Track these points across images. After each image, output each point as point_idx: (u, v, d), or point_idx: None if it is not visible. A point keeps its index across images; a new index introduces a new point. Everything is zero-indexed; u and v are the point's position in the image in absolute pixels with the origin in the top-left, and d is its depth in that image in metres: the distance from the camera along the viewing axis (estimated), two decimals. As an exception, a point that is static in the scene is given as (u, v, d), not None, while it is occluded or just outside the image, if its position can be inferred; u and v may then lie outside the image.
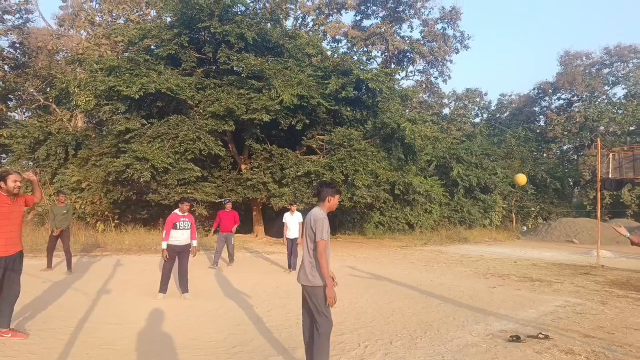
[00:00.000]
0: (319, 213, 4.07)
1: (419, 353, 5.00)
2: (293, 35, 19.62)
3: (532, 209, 32.88)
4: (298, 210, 11.21)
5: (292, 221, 10.87)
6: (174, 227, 7.34)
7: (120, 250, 12.60)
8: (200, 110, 16.71)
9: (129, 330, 5.54)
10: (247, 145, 18.52)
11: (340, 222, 22.09)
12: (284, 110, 16.27)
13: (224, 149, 17.38)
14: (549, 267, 13.12)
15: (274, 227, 21.11)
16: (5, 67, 24.91)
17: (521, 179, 10.93)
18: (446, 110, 43.72)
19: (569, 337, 5.63)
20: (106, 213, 17.39)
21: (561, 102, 44.55)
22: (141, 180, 15.37)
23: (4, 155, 27.91)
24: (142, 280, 8.90)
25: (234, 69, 17.49)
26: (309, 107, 16.70)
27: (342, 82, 16.65)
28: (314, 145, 18.31)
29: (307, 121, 17.25)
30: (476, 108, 47.52)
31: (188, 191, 16.21)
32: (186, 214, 7.54)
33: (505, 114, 48.25)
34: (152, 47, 18.44)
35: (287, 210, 11.40)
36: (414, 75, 39.88)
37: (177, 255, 7.46)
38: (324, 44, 31.17)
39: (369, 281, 9.99)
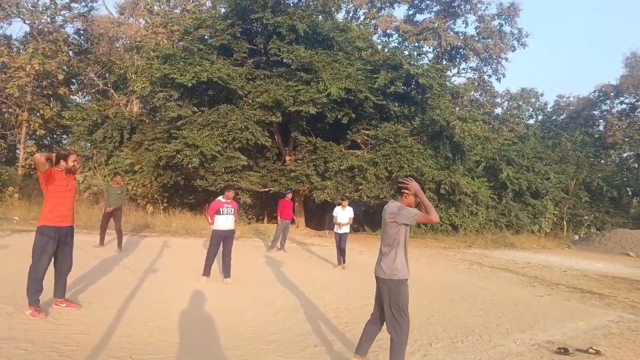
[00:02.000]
0: (396, 205, 4.01)
1: (460, 357, 4.86)
2: (344, 28, 19.48)
3: (586, 217, 31.19)
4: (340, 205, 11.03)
5: (343, 215, 10.42)
6: (218, 212, 7.52)
7: (168, 232, 13.07)
8: (249, 101, 16.98)
9: (172, 309, 5.72)
10: (292, 137, 18.67)
11: (381, 219, 21.85)
12: (331, 103, 16.25)
13: (270, 139, 17.61)
14: (602, 280, 12.40)
15: (315, 219, 21.23)
16: (70, 52, 26.30)
17: None
18: (498, 110, 42.10)
19: (622, 355, 5.29)
20: (156, 196, 18.09)
21: (624, 106, 41.81)
22: (190, 166, 15.86)
23: (64, 136, 29.62)
24: (188, 262, 9.19)
25: (284, 60, 17.62)
26: (356, 101, 16.59)
27: (391, 76, 16.39)
28: (359, 140, 18.19)
29: (354, 115, 17.14)
30: (531, 109, 45.46)
31: (234, 179, 16.57)
32: (230, 200, 7.70)
33: (562, 117, 45.89)
34: (206, 37, 18.91)
35: (336, 204, 11.31)
36: (466, 72, 38.65)
37: (222, 241, 7.64)
38: (375, 37, 30.78)
39: (409, 281, 9.81)
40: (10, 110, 25.20)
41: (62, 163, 5.04)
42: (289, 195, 12.38)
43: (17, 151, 26.28)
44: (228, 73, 16.16)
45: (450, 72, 34.84)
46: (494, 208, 24.43)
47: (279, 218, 12.15)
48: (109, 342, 4.37)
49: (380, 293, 4.13)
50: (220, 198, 7.71)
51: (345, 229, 10.35)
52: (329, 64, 16.59)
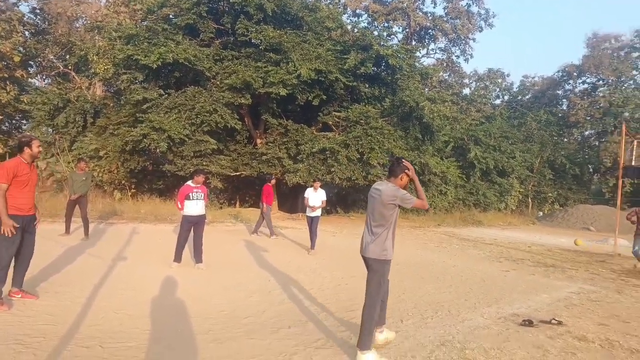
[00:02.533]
0: (393, 187, 4.04)
1: (430, 332, 4.99)
2: (313, 7, 19.18)
3: (550, 194, 32.40)
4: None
5: (315, 198, 10.12)
6: (187, 197, 7.42)
7: (137, 219, 12.79)
8: (218, 83, 16.62)
9: (142, 296, 5.63)
10: (263, 119, 18.44)
11: (353, 201, 22.05)
12: (301, 84, 16.10)
13: (240, 122, 17.35)
14: (564, 254, 12.95)
15: (288, 203, 21.20)
16: (26, 32, 24.94)
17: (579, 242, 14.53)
18: (466, 91, 42.79)
19: (582, 324, 5.55)
20: (123, 182, 17.63)
21: (586, 86, 43.19)
22: (158, 150, 15.49)
23: (24, 122, 28.31)
24: (158, 249, 9.04)
25: (252, 41, 17.27)
26: (327, 83, 16.47)
27: (361, 57, 16.34)
28: (330, 122, 18.14)
29: (324, 97, 17.04)
30: (497, 89, 46.45)
31: (204, 163, 16.29)
32: (200, 185, 7.58)
33: (527, 97, 47.06)
34: (171, 16, 18.28)
35: (308, 186, 11.03)
36: (435, 53, 38.99)
37: (193, 226, 7.54)
38: (344, 18, 30.51)
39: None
40: (-38, 94, 23.83)
41: (27, 150, 4.91)
42: (273, 181, 12.54)
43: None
44: (195, 54, 15.73)
45: (420, 52, 35.04)
46: (462, 187, 25.02)
47: (263, 204, 12.06)
48: (77, 332, 4.27)
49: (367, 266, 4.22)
50: (189, 183, 7.58)
51: (318, 212, 10.18)
52: (299, 45, 16.36)
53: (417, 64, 19.81)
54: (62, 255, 7.73)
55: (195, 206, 7.46)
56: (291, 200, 21.64)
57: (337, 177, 16.40)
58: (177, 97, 16.08)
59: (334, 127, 18.22)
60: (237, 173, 18.01)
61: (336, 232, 14.56)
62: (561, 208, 31.45)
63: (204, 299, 5.85)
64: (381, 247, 4.07)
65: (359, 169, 16.50)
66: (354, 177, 16.47)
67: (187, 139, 15.45)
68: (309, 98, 16.81)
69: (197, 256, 7.65)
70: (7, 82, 23.21)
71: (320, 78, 15.92)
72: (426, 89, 28.23)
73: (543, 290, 7.73)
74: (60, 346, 3.90)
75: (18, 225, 4.79)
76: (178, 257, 7.53)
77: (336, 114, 17.94)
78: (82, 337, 4.16)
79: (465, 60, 38.67)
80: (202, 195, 7.56)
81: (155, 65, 15.09)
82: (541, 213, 30.82)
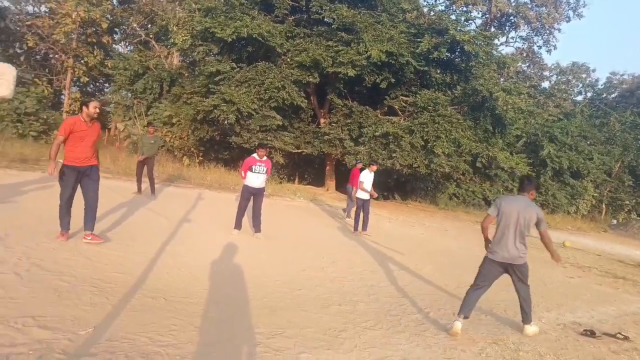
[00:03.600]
0: (533, 204, 4.73)
1: (483, 329, 4.89)
2: (389, -13, 18.66)
3: (627, 202, 29.95)
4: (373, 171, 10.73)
5: (370, 180, 10.12)
6: (250, 169, 7.67)
7: (202, 185, 13.38)
8: (288, 59, 16.76)
9: (204, 258, 5.93)
10: (328, 99, 18.45)
11: (412, 189, 21.67)
12: (371, 66, 15.86)
13: (305, 100, 17.46)
14: (637, 267, 12.01)
15: (345, 183, 21.23)
16: (114, 1, 26.45)
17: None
18: (546, 84, 40.08)
19: (653, 343, 5.16)
20: (192, 149, 18.47)
21: (683, 87, 38.94)
22: (226, 122, 16.00)
23: (106, 85, 30.30)
24: (220, 215, 9.44)
25: (325, 19, 17.18)
26: (397, 66, 16.09)
27: (435, 42, 15.76)
28: (396, 106, 17.78)
29: (393, 80, 16.69)
30: (580, 85, 43.01)
31: (268, 138, 16.66)
32: (264, 159, 7.78)
33: (613, 95, 43.23)
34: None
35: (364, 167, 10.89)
36: (515, 41, 36.67)
37: (252, 196, 7.81)
38: (421, -1, 29.46)
39: (437, 251, 9.81)
40: (56, 56, 25.86)
41: (85, 110, 5.47)
42: (359, 165, 12.31)
43: (62, 97, 27.13)
44: (268, 30, 15.92)
45: (498, 40, 33.11)
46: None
47: (349, 186, 12.22)
48: (144, 283, 4.60)
49: (494, 272, 4.81)
50: (254, 155, 7.79)
51: (367, 195, 9.98)
52: (371, 25, 16.05)
53: (494, 52, 18.77)
54: (133, 211, 8.26)
55: (256, 179, 7.71)
56: (348, 182, 21.65)
57: (397, 163, 16.14)
58: (248, 72, 16.43)
59: (399, 112, 17.86)
60: (299, 150, 18.25)
61: (392, 218, 14.43)
62: (638, 218, 29.03)
63: (260, 267, 6.07)
64: (525, 253, 4.79)
65: (422, 157, 16.11)
66: (415, 165, 16.12)
67: (254, 113, 15.83)
68: (377, 80, 16.55)
69: (256, 226, 7.93)
70: (95, 47, 24.86)
71: (390, 60, 15.58)
72: (501, 79, 26.79)
73: (610, 301, 7.26)
74: (129, 294, 4.22)
75: (61, 172, 5.43)
76: (238, 225, 7.86)
77: (403, 98, 17.54)
78: (148, 288, 4.47)
79: (547, 51, 36.26)
80: (265, 169, 7.76)
81: (230, 39, 15.47)
82: (615, 221, 28.63)
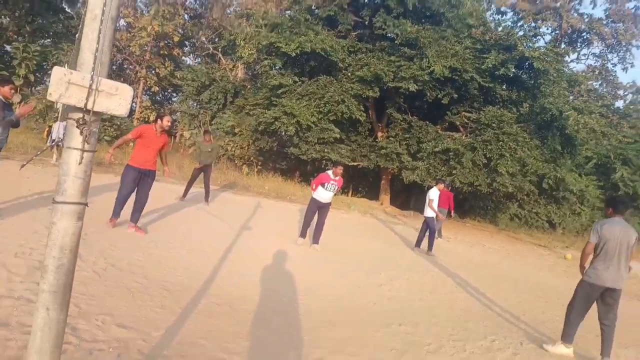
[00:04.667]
0: (629, 225, 4.80)
1: (550, 362, 4.57)
2: (455, 3, 18.38)
3: None
4: (431, 187, 10.44)
5: (437, 199, 9.81)
6: (322, 185, 7.96)
7: (261, 194, 13.72)
8: (349, 74, 16.91)
9: (265, 266, 6.04)
10: (387, 113, 18.35)
11: (470, 207, 20.95)
12: (433, 81, 15.63)
13: (364, 114, 17.48)
14: None
15: (399, 199, 20.94)
16: (186, 16, 28.06)
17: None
18: (620, 103, 37.53)
19: None
20: (252, 158, 19.02)
21: None
22: (285, 133, 16.35)
23: (174, 95, 32.04)
24: (279, 224, 9.62)
25: (388, 35, 17.18)
26: (460, 81, 15.75)
27: (502, 58, 15.25)
28: (458, 122, 17.36)
29: (456, 96, 16.33)
30: (660, 104, 39.89)
31: (325, 150, 16.82)
32: (337, 178, 8.01)
33: (697, 115, 39.69)
34: (313, 7, 18.98)
35: (426, 186, 10.61)
36: (587, 58, 34.80)
37: (318, 210, 8.05)
38: (487, 15, 28.69)
39: (498, 274, 9.38)
40: (131, 66, 27.74)
41: (159, 122, 6.29)
42: (440, 186, 11.09)
43: (134, 104, 29.01)
44: (331, 45, 16.17)
45: (569, 57, 31.59)
46: (600, 210, 22.19)
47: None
48: (209, 289, 4.75)
49: (594, 298, 4.88)
50: (329, 173, 8.04)
51: (431, 213, 9.70)
52: (436, 41, 15.85)
53: (565, 69, 17.91)
54: (197, 216, 8.61)
55: (326, 195, 7.98)
56: (403, 197, 21.34)
57: (458, 180, 15.69)
58: (310, 85, 16.75)
59: (461, 128, 17.41)
60: (355, 163, 18.23)
61: (450, 237, 13.98)
62: None
63: (318, 279, 6.08)
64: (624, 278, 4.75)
65: (484, 175, 15.56)
66: (476, 183, 15.59)
67: (313, 126, 16.06)
68: (439, 96, 16.27)
69: (316, 238, 8.04)
70: (166, 59, 26.44)
71: (454, 76, 15.28)
72: (571, 97, 25.41)
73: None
74: (196, 299, 4.37)
75: (125, 170, 6.19)
76: (303, 234, 8.17)
77: (466, 114, 17.09)
78: (213, 294, 4.61)
79: (623, 69, 33.96)
80: (336, 187, 8.01)
81: (294, 54, 15.88)
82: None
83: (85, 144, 1.34)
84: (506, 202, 20.33)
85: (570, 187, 17.18)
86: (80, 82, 1.29)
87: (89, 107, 1.31)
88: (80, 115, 1.33)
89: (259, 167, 19.00)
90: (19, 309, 3.21)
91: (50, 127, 11.16)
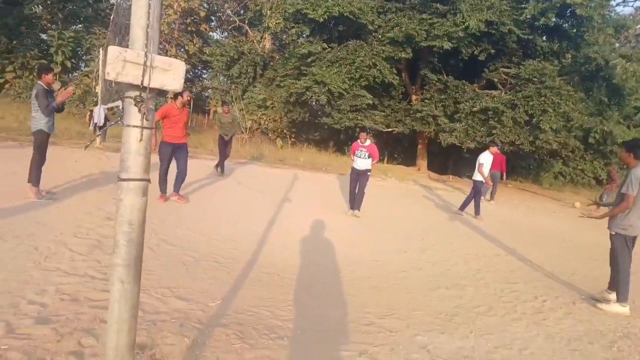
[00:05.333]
0: None
1: (609, 321, 4.47)
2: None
3: None
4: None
5: (490, 163, 9.46)
6: (354, 154, 8.28)
7: (297, 166, 13.79)
8: (379, 36, 16.40)
9: (306, 236, 6.14)
10: (421, 74, 17.80)
11: (512, 167, 20.32)
12: (468, 37, 14.95)
13: (397, 77, 17.04)
14: None
15: (437, 163, 20.56)
16: (210, -11, 27.82)
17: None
18: (672, 47, 34.87)
19: None
20: (285, 131, 19.05)
21: None
22: (317, 103, 16.22)
23: (204, 71, 32.22)
24: (316, 195, 9.69)
25: (419, -10, 16.47)
26: (497, 35, 14.98)
27: (542, 7, 14.34)
28: (496, 79, 16.64)
29: (493, 51, 15.59)
30: None
31: (358, 118, 16.61)
32: (367, 143, 8.19)
33: None
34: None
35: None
36: (635, 0, 32.33)
37: (358, 177, 8.25)
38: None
39: (543, 234, 9.15)
40: (160, 46, 27.93)
41: (179, 98, 6.74)
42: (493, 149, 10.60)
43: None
44: (359, 7, 15.67)
45: (614, 0, 29.42)
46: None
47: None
48: (257, 259, 4.87)
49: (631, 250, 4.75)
50: (358, 141, 8.32)
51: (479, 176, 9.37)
52: (470, -7, 15.07)
53: (611, 14, 16.70)
54: (238, 191, 8.77)
55: (359, 161, 8.19)
56: (441, 161, 20.92)
57: (498, 140, 15.15)
58: (339, 51, 16.40)
59: (499, 85, 16.70)
60: (390, 129, 17.94)
61: (492, 200, 13.69)
62: None
63: (361, 247, 6.13)
64: None
65: (526, 133, 14.99)
66: (518, 142, 15.04)
67: (345, 93, 15.82)
68: (475, 52, 15.58)
69: (357, 204, 8.25)
70: (194, 35, 26.48)
71: (490, 30, 14.55)
72: (617, 44, 23.80)
73: None
74: (246, 269, 4.50)
75: (160, 147, 6.76)
76: (352, 204, 8.37)
77: (504, 70, 16.33)
78: (261, 264, 4.73)
79: (677, 7, 31.25)
80: (367, 154, 8.14)
81: (321, 19, 15.51)
82: None
83: (144, 120, 1.36)
84: (550, 160, 19.59)
85: (618, 140, 16.31)
86: (135, 60, 1.30)
87: (145, 83, 1.32)
88: (137, 92, 1.34)
89: (292, 139, 19.03)
90: (85, 285, 3.41)
91: (91, 111, 11.51)
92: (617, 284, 4.73)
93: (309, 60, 16.69)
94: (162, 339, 2.77)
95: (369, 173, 8.28)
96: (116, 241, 1.42)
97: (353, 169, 8.36)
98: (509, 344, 3.56)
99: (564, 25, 15.96)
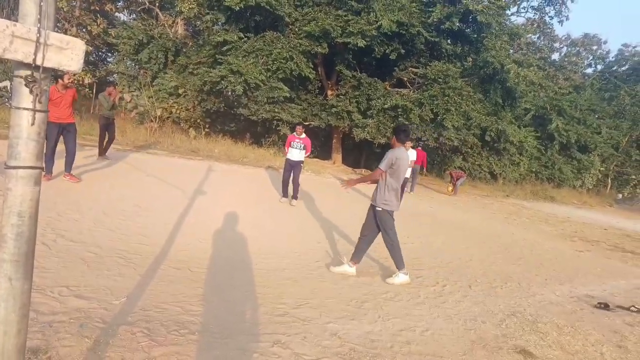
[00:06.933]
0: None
1: (499, 301, 4.97)
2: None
3: (633, 176, 29.88)
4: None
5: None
6: (291, 145, 8.78)
7: (211, 157, 13.38)
8: (296, 29, 16.43)
9: (222, 229, 6.02)
10: (336, 70, 18.16)
11: (418, 161, 21.64)
12: (381, 36, 15.53)
13: (313, 71, 17.21)
14: (645, 241, 12.10)
15: (351, 157, 21.22)
16: (117, -33, 25.82)
17: None
18: (556, 56, 39.34)
19: (664, 316, 5.26)
20: (198, 121, 18.35)
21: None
22: (233, 93, 15.83)
23: (109, 54, 29.92)
24: (232, 186, 9.51)
25: (335, -14, 16.74)
26: (407, 36, 15.76)
27: (447, 11, 15.36)
28: (406, 78, 17.53)
29: (403, 51, 16.36)
30: (591, 57, 42.19)
31: (275, 110, 16.53)
32: (302, 136, 8.78)
33: (624, 68, 42.34)
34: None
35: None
36: (527, 12, 35.74)
37: (292, 168, 8.82)
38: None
39: (446, 224, 9.88)
40: (58, 24, 25.43)
41: (60, 81, 6.84)
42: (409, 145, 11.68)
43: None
44: (277, -2, 15.54)
45: (510, 10, 32.38)
46: (537, 159, 23.70)
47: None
48: (168, 254, 4.68)
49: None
50: (294, 133, 8.88)
51: (406, 174, 10.05)
52: (382, -7, 15.65)
53: (507, 23, 18.36)
54: (147, 182, 8.31)
55: (294, 153, 8.75)
56: (355, 155, 21.64)
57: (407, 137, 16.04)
58: (256, 42, 16.14)
59: (408, 84, 17.62)
60: (306, 123, 18.07)
61: (411, 191, 14.48)
62: (644, 193, 29.04)
63: (278, 238, 6.16)
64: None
65: (431, 130, 16.02)
66: (424, 138, 16.04)
67: (262, 84, 15.63)
68: (387, 51, 16.24)
69: (294, 194, 8.94)
70: (98, 15, 24.45)
71: (401, 31, 15.26)
72: (511, 50, 26.26)
73: (620, 275, 7.36)
74: (155, 264, 4.30)
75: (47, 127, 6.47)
76: (284, 193, 8.99)
77: (413, 70, 17.27)
78: (172, 259, 4.56)
79: (559, 22, 35.21)
80: (302, 145, 8.75)
81: (237, 7, 15.11)
82: (620, 195, 28.63)
83: (37, 103, 1.24)
84: (451, 155, 21.15)
85: (510, 139, 18.08)
86: (26, 36, 1.17)
87: (39, 62, 1.20)
88: (29, 72, 1.21)
89: (206, 129, 18.40)
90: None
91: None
92: (394, 256, 5.05)
93: (225, 48, 16.22)
94: (59, 340, 2.56)
95: (301, 164, 8.97)
96: (3, 235, 1.28)
97: (287, 160, 8.82)
98: (413, 327, 3.82)
99: (467, 30, 17.25)
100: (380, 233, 5.09)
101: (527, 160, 22.34)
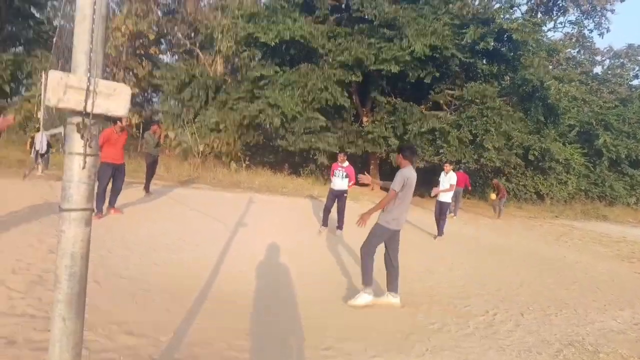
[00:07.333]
0: None
1: (555, 330, 4.67)
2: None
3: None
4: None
5: (446, 182, 9.85)
6: (334, 174, 8.57)
7: (252, 189, 13.63)
8: (330, 60, 16.78)
9: (266, 261, 6.04)
10: (371, 97, 18.30)
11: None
12: (414, 61, 15.59)
13: (348, 100, 17.41)
14: None
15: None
16: (159, 12, 27.46)
17: None
18: (598, 69, 37.95)
19: None
20: (239, 154, 18.83)
21: None
22: (271, 126, 16.21)
23: (154, 95, 31.49)
24: (273, 218, 9.60)
25: (366, 16, 17.05)
26: (441, 59, 15.75)
27: (481, 32, 15.26)
28: (442, 101, 17.41)
29: (437, 74, 16.32)
30: (637, 68, 40.46)
31: (312, 140, 16.75)
32: (345, 164, 8.48)
33: (674, 77, 40.37)
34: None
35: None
36: (564, 26, 34.98)
37: (336, 198, 8.57)
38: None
39: (492, 249, 9.50)
40: (107, 69, 27.15)
41: (118, 123, 7.36)
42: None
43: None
44: (310, 31, 16.00)
45: (546, 26, 31.77)
46: (585, 177, 22.59)
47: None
48: (213, 288, 4.72)
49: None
50: (337, 162, 8.60)
51: (447, 198, 9.68)
52: (414, 19, 15.77)
53: (544, 39, 18.00)
54: (190, 217, 8.52)
55: (337, 182, 8.46)
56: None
57: (445, 159, 15.79)
58: (291, 75, 16.59)
59: (445, 107, 17.46)
60: (343, 152, 18.17)
61: (455, 215, 14.13)
62: None
63: (319, 268, 6.09)
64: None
65: (470, 152, 15.68)
66: (464, 160, 15.71)
67: (298, 116, 15.96)
68: (421, 75, 16.24)
69: (339, 224, 8.59)
70: (143, 58, 25.94)
71: (434, 54, 15.27)
72: (550, 66, 25.61)
73: (690, 300, 6.76)
74: (200, 299, 4.34)
75: (100, 167, 7.09)
76: (325, 222, 8.68)
77: (449, 92, 17.13)
78: (217, 292, 4.58)
79: (599, 34, 34.05)
80: (345, 174, 8.45)
81: (273, 43, 15.68)
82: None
83: (87, 147, 1.30)
84: (494, 177, 20.52)
85: (555, 157, 17.40)
86: (77, 85, 1.25)
87: (89, 109, 1.27)
88: (80, 119, 1.29)
89: (247, 162, 18.84)
90: (23, 326, 3.16)
91: (32, 137, 10.92)
92: (362, 266, 4.83)
93: (262, 83, 16.76)
94: (109, 377, 2.60)
95: (345, 195, 8.58)
96: (57, 276, 1.33)
97: (331, 190, 8.60)
98: None
99: (502, 49, 17.02)
100: (396, 252, 4.94)
101: (575, 178, 21.32)
